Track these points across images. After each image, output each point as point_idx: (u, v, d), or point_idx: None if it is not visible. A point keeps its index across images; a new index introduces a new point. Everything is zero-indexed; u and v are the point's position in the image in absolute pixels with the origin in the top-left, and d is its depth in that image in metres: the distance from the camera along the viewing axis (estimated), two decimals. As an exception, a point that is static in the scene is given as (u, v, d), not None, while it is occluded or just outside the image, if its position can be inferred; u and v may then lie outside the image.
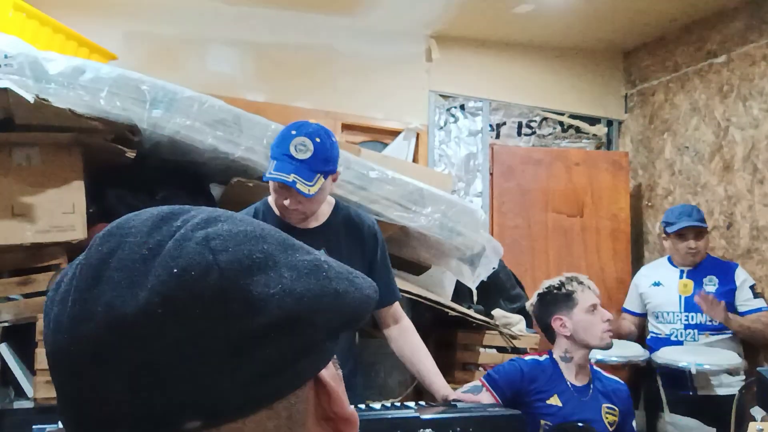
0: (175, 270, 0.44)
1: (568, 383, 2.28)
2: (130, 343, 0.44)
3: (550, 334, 2.38)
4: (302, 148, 1.93)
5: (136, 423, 0.44)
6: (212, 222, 0.48)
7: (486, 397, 2.18)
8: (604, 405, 2.29)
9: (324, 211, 2.13)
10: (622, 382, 2.45)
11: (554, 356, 2.33)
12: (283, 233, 0.51)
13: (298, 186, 1.91)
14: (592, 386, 2.31)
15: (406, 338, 2.19)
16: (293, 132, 1.96)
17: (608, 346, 2.33)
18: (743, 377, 3.22)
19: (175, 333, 0.43)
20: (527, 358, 2.36)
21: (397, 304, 2.22)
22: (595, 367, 2.42)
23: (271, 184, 2.00)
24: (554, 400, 2.21)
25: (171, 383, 0.44)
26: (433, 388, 2.11)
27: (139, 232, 0.47)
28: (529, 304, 2.51)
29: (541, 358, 2.32)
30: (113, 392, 0.44)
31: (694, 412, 3.18)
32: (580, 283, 2.37)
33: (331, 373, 0.51)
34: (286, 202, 1.98)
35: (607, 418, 2.28)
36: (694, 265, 3.44)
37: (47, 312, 0.49)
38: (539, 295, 2.42)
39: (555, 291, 2.37)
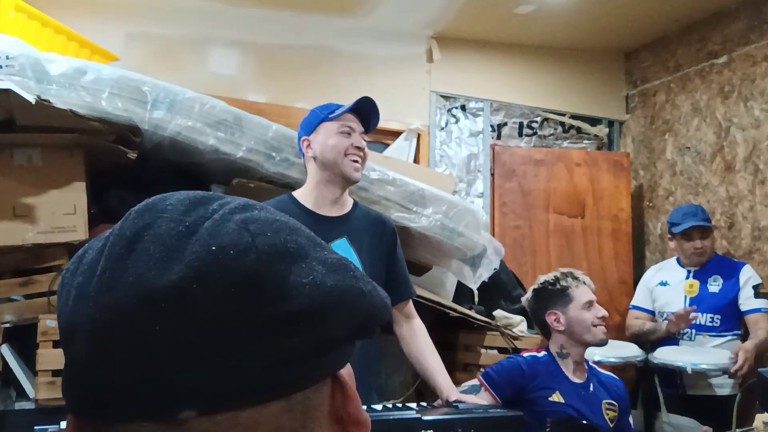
0: (214, 247, 0.44)
1: (568, 379, 2.26)
2: (159, 316, 0.42)
3: (545, 330, 2.36)
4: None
5: (150, 400, 0.43)
6: (249, 208, 0.48)
7: (485, 397, 2.17)
8: (605, 401, 2.27)
9: (348, 201, 2.17)
10: (617, 377, 2.43)
11: (551, 352, 2.30)
12: (310, 232, 0.51)
13: (371, 105, 2.10)
14: (591, 383, 2.30)
15: (414, 338, 2.20)
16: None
17: (603, 343, 2.29)
18: (740, 378, 3.21)
19: (206, 310, 0.43)
20: (526, 354, 2.33)
21: (410, 301, 2.23)
22: (590, 363, 2.40)
23: (331, 132, 2.10)
24: (556, 397, 2.19)
25: (193, 362, 0.43)
26: (438, 390, 2.11)
27: (176, 209, 0.47)
28: (525, 299, 2.46)
29: (540, 354, 2.30)
30: (130, 366, 0.43)
31: (692, 412, 3.17)
32: (576, 278, 2.33)
33: (349, 372, 0.51)
34: (353, 140, 2.09)
35: (607, 414, 2.26)
36: (701, 265, 3.42)
37: (66, 284, 0.48)
38: (534, 290, 2.39)
39: (550, 287, 2.33)
